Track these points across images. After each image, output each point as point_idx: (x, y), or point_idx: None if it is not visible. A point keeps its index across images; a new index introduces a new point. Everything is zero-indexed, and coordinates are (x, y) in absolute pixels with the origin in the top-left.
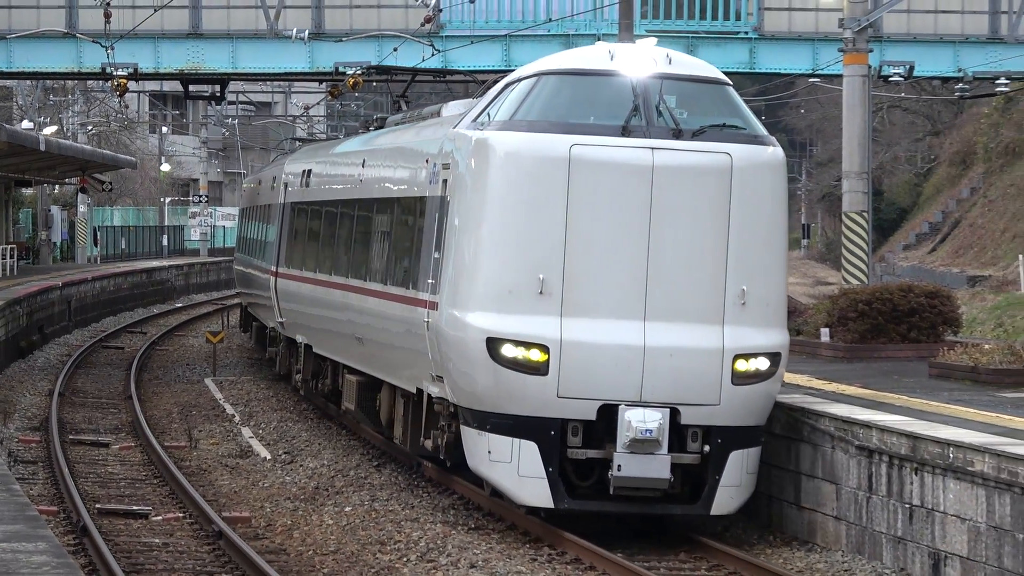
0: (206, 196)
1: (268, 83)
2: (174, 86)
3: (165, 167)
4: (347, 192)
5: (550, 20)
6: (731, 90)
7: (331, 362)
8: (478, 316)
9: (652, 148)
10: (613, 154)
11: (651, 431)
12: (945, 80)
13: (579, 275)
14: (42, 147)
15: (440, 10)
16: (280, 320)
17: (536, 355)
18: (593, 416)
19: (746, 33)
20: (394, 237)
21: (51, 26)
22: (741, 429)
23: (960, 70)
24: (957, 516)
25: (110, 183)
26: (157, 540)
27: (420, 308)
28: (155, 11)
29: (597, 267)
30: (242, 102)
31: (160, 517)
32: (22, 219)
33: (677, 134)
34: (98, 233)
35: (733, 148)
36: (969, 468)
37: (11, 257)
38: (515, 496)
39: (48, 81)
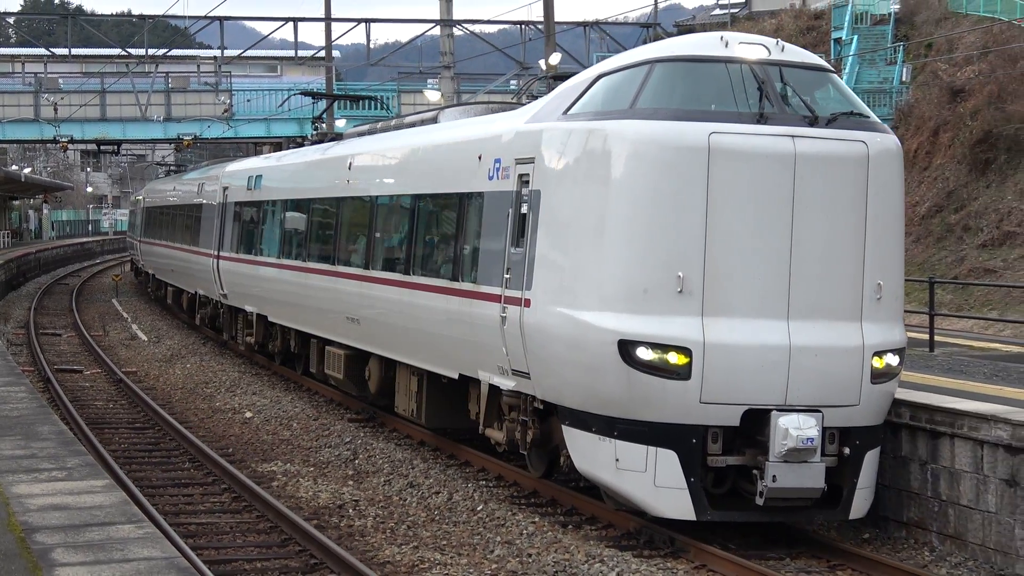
0: (111, 204)
1: (143, 144)
2: (93, 146)
3: (89, 189)
4: (326, 191)
5: (290, 110)
6: (839, 77)
7: (281, 327)
8: (606, 317)
9: (792, 136)
10: (754, 142)
11: (812, 439)
12: None
13: (721, 272)
14: (23, 179)
15: (232, 105)
16: (223, 292)
17: (675, 358)
18: (737, 422)
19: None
20: (420, 231)
21: (25, 115)
22: (874, 428)
23: None
24: None
25: (60, 197)
26: (87, 384)
27: (484, 302)
28: (80, 107)
29: (739, 263)
30: (130, 153)
31: (89, 372)
32: (14, 217)
33: (812, 121)
34: (54, 224)
35: (866, 136)
36: None
37: (8, 237)
38: (650, 507)
39: (25, 144)
